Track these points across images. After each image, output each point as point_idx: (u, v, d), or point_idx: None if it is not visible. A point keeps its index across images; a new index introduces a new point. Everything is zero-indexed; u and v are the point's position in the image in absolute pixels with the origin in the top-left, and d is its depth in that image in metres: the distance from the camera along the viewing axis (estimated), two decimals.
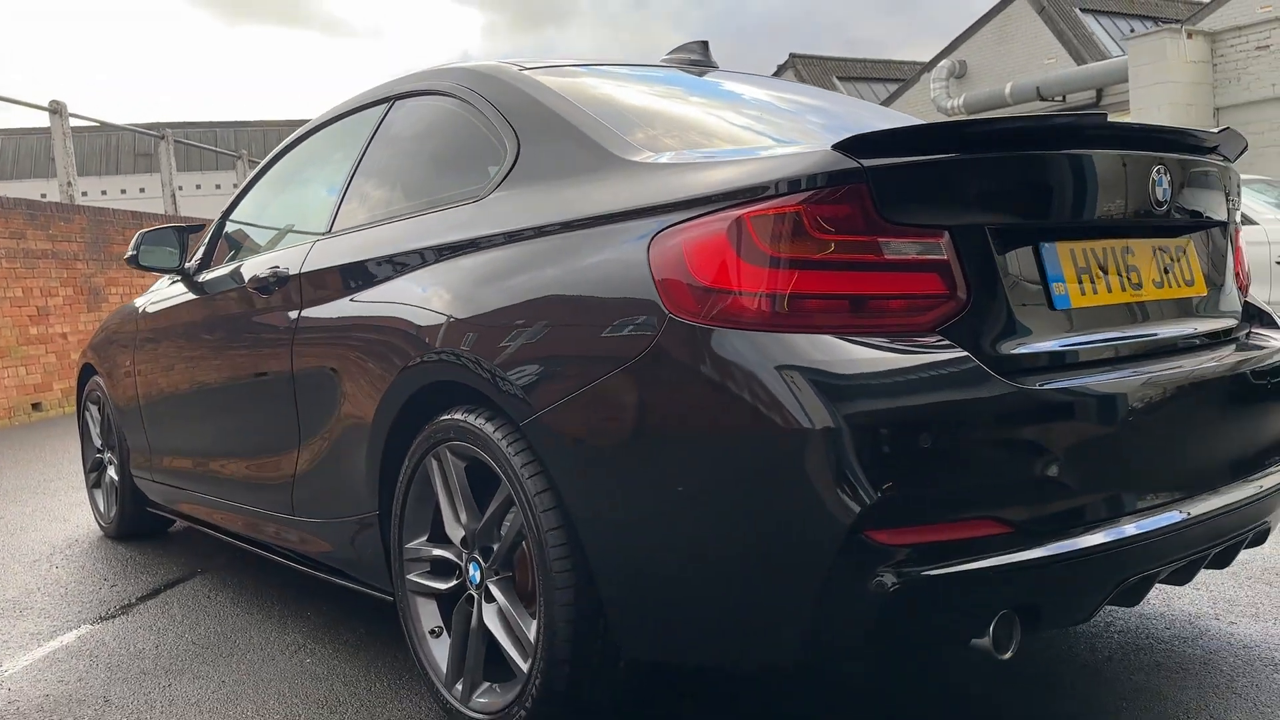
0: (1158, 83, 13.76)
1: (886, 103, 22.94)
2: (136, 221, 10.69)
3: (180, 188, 13.23)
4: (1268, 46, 14.00)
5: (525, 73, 2.36)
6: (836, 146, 1.62)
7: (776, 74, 25.81)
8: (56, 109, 10.00)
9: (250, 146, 17.91)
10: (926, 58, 24.49)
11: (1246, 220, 8.60)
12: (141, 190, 37.61)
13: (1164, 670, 2.23)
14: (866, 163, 1.61)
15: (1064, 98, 18.54)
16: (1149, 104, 14.14)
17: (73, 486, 5.29)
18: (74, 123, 10.34)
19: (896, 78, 27.79)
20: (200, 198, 29.97)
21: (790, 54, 29.40)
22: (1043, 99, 18.54)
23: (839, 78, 28.19)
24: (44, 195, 9.74)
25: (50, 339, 9.13)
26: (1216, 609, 2.57)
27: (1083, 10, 22.62)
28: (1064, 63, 20.50)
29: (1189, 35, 14.38)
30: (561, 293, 1.89)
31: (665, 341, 1.67)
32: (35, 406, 8.86)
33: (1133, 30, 18.96)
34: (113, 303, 9.96)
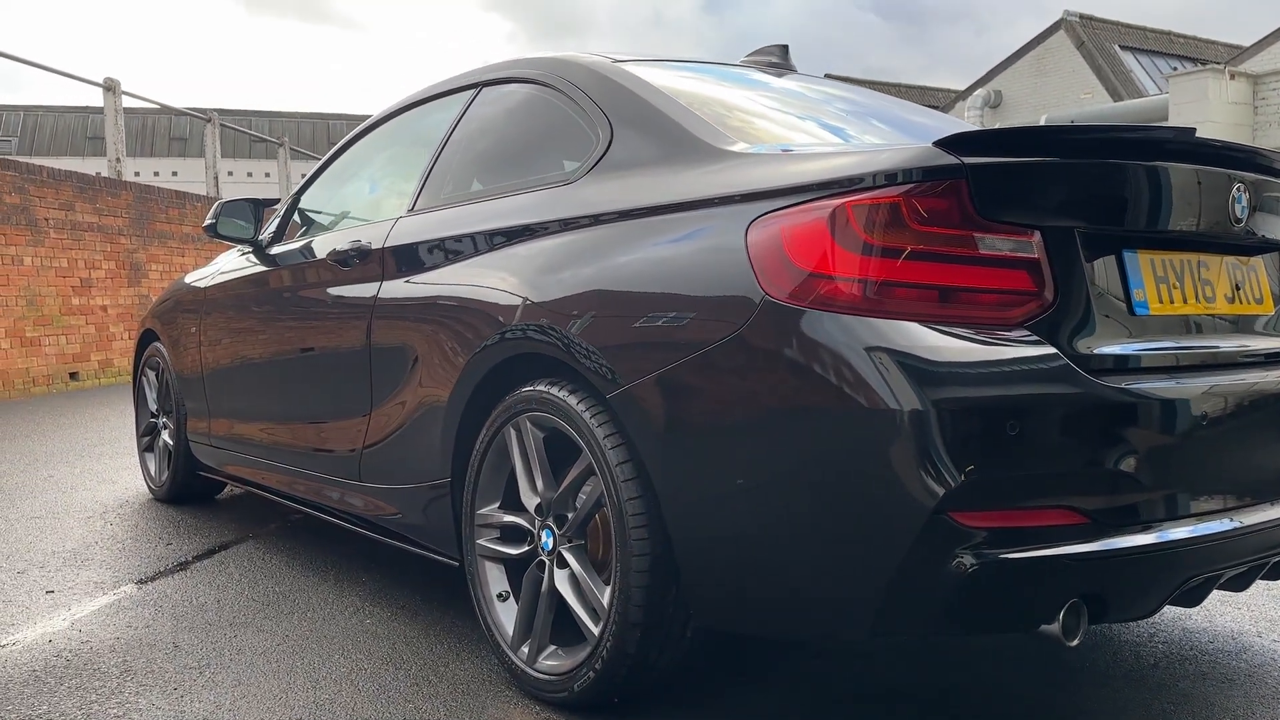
0: (1198, 122, 13.76)
1: None
2: (180, 201, 10.86)
3: (224, 173, 13.41)
4: None
5: (618, 64, 2.44)
6: (938, 143, 1.69)
7: None
8: (110, 86, 10.19)
9: (287, 136, 18.09)
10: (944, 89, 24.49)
11: None
12: (174, 174, 37.93)
13: (1210, 679, 2.27)
14: (967, 160, 1.68)
15: None
16: None
17: (118, 451, 5.40)
18: (126, 102, 10.52)
19: (931, 104, 27.89)
20: (240, 184, 30.22)
21: (825, 74, 29.59)
22: None
23: None
24: None
25: (91, 310, 9.28)
26: (1258, 627, 2.61)
27: (1122, 48, 22.66)
28: (1100, 98, 20.52)
29: (1232, 76, 14.40)
30: (653, 272, 1.96)
31: (760, 321, 1.74)
32: (72, 376, 9.01)
33: (1175, 69, 18.96)
34: (153, 279, 10.12)
